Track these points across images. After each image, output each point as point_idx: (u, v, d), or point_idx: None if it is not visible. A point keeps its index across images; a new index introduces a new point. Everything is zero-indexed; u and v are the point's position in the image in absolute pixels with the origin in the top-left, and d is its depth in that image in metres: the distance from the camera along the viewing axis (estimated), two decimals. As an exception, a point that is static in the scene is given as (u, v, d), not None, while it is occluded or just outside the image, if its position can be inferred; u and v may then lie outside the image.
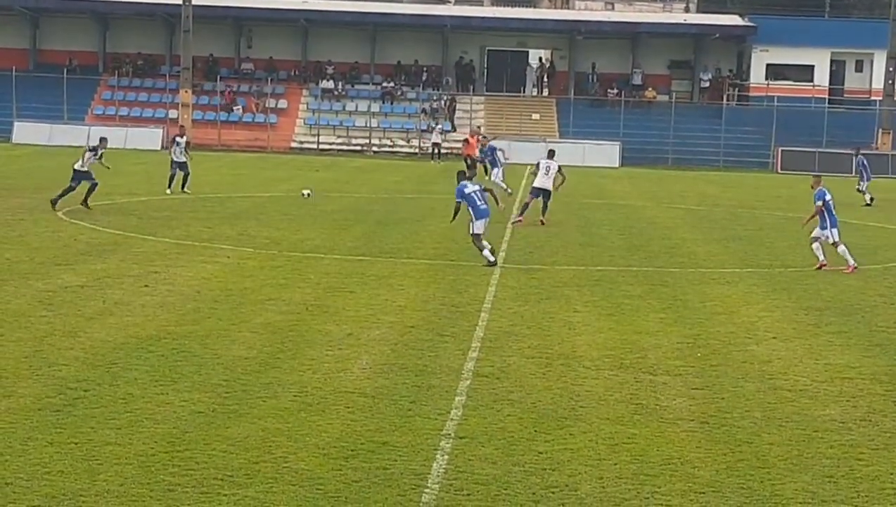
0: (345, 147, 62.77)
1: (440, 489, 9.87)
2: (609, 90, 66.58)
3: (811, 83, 66.16)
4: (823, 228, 23.30)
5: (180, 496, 9.49)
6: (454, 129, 63.12)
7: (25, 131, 59.91)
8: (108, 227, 26.36)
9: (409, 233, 27.13)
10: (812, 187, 24.09)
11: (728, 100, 65.85)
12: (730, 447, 11.34)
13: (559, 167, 30.43)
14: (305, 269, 21.39)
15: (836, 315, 18.54)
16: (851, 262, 23.18)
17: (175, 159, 35.30)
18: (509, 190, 37.10)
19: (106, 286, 18.77)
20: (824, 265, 23.16)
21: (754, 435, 11.79)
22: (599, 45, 67.87)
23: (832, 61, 66.87)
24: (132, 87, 65.97)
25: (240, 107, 64.47)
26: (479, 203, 22.17)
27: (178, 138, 35.97)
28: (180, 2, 58.84)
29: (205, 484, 9.78)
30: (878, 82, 63.90)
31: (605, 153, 59.39)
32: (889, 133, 61.67)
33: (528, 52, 70.56)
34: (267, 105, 64.04)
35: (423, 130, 62.92)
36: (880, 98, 63.00)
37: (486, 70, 69.48)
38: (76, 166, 29.84)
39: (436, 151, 59.09)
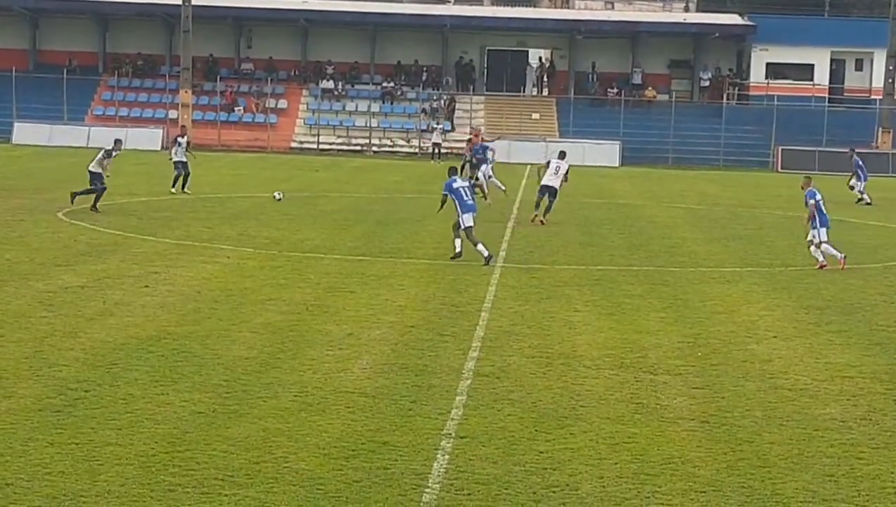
0: (345, 147, 62.77)
1: (441, 489, 9.87)
2: (609, 90, 66.58)
3: (811, 82, 66.16)
4: (813, 227, 23.48)
5: (181, 497, 9.49)
6: (453, 128, 63.13)
7: (25, 132, 59.91)
8: (108, 227, 26.36)
9: (410, 233, 27.13)
10: (802, 188, 24.26)
11: (728, 99, 65.85)
12: (730, 447, 11.34)
13: (568, 168, 30.84)
14: (305, 269, 21.40)
15: (836, 314, 18.54)
16: (838, 255, 23.28)
17: (176, 160, 35.30)
18: (503, 187, 37.17)
19: (106, 287, 18.77)
20: (824, 266, 23.18)
21: (755, 434, 11.78)
22: (599, 45, 67.87)
23: (832, 60, 66.88)
24: (132, 87, 65.98)
25: (241, 107, 64.48)
26: (465, 198, 22.67)
27: (179, 138, 35.98)
28: (180, 2, 58.84)
29: (205, 484, 9.78)
30: (878, 81, 63.91)
31: (605, 153, 59.39)
32: (889, 132, 61.68)
33: (527, 51, 70.57)
34: (267, 105, 64.05)
35: (422, 130, 62.93)
36: (880, 97, 63.01)
37: (486, 70, 69.48)
38: (91, 168, 29.72)
39: (436, 150, 59.11)
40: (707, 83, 67.30)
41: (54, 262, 21.18)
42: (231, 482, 9.86)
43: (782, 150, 60.44)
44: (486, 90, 67.95)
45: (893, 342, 16.51)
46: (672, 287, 20.75)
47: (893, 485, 10.42)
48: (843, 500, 9.99)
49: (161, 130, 60.11)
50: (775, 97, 64.07)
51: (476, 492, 9.85)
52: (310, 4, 66.85)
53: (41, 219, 27.51)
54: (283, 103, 65.19)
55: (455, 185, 22.90)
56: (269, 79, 65.03)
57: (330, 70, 66.68)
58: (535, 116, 65.15)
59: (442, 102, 64.88)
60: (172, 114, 61.54)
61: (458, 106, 65.00)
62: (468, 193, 22.86)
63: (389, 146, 63.27)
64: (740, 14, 68.28)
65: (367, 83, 67.09)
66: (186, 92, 60.62)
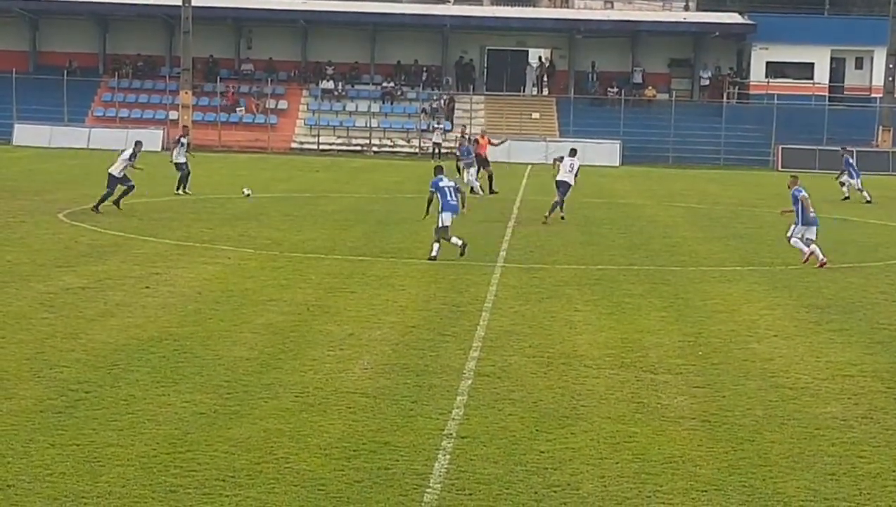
0: (345, 147, 62.75)
1: (442, 489, 9.88)
2: (609, 89, 66.54)
3: (811, 81, 66.13)
4: (796, 222, 23.77)
5: (182, 498, 9.50)
6: (453, 128, 63.10)
7: (26, 133, 59.89)
8: (108, 228, 26.36)
9: (410, 233, 27.12)
10: (788, 187, 24.58)
11: (728, 98, 65.81)
12: (731, 446, 11.34)
13: (579, 166, 31.36)
14: (306, 269, 21.40)
15: (837, 313, 18.54)
16: (805, 250, 23.46)
17: (178, 161, 35.30)
18: (480, 194, 37.21)
19: (107, 288, 18.78)
20: (825, 264, 23.20)
21: (756, 433, 11.79)
22: (599, 44, 67.85)
23: (832, 59, 66.84)
24: (132, 88, 65.96)
25: (243, 108, 64.48)
26: (449, 197, 22.96)
27: (182, 139, 35.99)
28: (180, 3, 58.82)
29: (207, 485, 9.79)
30: (879, 79, 63.87)
31: (605, 152, 59.35)
32: (889, 130, 61.64)
33: (527, 51, 70.53)
34: (267, 106, 64.04)
35: (423, 130, 62.91)
36: (880, 95, 62.97)
37: (485, 69, 69.45)
38: (111, 171, 29.69)
39: (436, 150, 59.09)
40: (707, 82, 67.26)
41: (55, 263, 21.19)
42: (232, 483, 9.86)
43: (782, 148, 60.41)
44: (486, 90, 67.92)
45: (894, 341, 16.50)
46: (673, 286, 20.75)
47: (895, 484, 10.42)
48: (844, 499, 10.00)
49: (161, 131, 60.06)
50: (775, 96, 64.03)
51: (477, 492, 9.86)
52: (310, 5, 66.83)
53: (42, 220, 27.52)
54: (283, 104, 65.17)
55: (441, 183, 23.20)
56: (269, 79, 65.02)
57: (330, 70, 66.67)
58: (536, 115, 65.13)
59: (442, 101, 64.87)
60: (173, 115, 61.51)
61: (458, 106, 64.99)
62: (452, 193, 23.12)
63: (390, 146, 63.25)
64: (740, 13, 68.24)
65: (367, 83, 67.07)
66: (187, 93, 60.60)
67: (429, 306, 18.13)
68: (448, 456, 10.72)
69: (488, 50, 69.63)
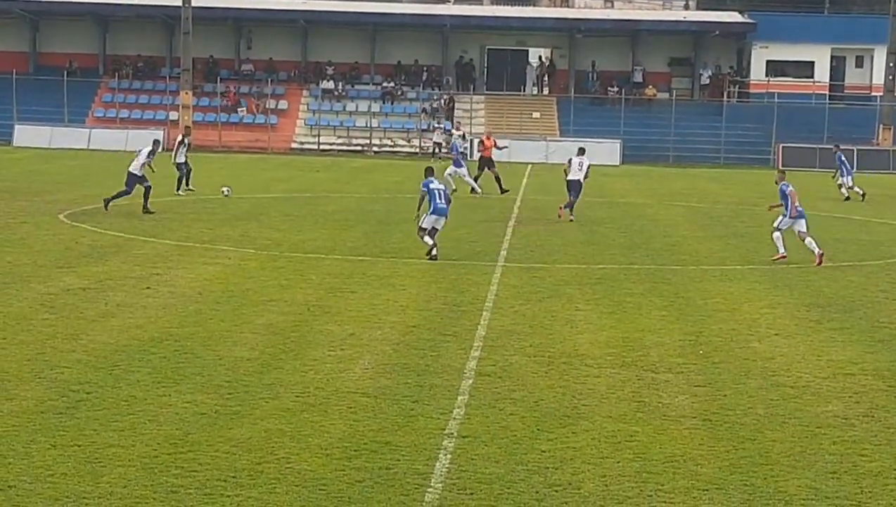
0: (345, 147, 62.76)
1: (443, 489, 9.88)
2: (609, 88, 66.55)
3: (811, 79, 66.13)
4: (784, 215, 23.94)
5: (183, 498, 9.50)
6: (452, 128, 63.08)
7: (26, 134, 59.92)
8: (109, 229, 26.37)
9: (411, 233, 27.06)
10: (776, 183, 24.74)
11: (728, 97, 65.81)
12: (732, 445, 11.34)
13: (589, 165, 31.71)
14: (307, 269, 21.40)
15: (837, 311, 18.54)
16: (781, 250, 23.58)
17: (179, 161, 35.30)
18: (479, 191, 37.33)
19: (108, 289, 18.78)
20: (822, 256, 23.27)
21: (757, 432, 11.79)
22: (599, 44, 67.85)
23: (832, 57, 66.85)
24: (132, 89, 65.99)
25: (244, 108, 64.48)
26: (438, 200, 23.01)
27: (186, 139, 35.99)
28: (180, 3, 58.83)
29: (208, 486, 9.79)
30: (879, 78, 63.87)
31: (605, 151, 59.32)
32: (889, 129, 61.64)
33: (527, 50, 70.55)
34: (267, 106, 64.05)
35: (423, 130, 62.90)
36: (881, 94, 62.98)
37: (486, 69, 69.46)
38: (131, 170, 29.64)
39: (437, 150, 59.11)
40: (707, 81, 67.27)
41: (56, 264, 21.19)
42: (234, 483, 9.86)
43: (783, 147, 60.39)
44: (487, 90, 67.94)
45: (895, 339, 16.50)
46: (673, 285, 20.75)
47: (896, 482, 10.42)
48: (845, 497, 9.99)
49: (161, 132, 60.01)
50: (776, 95, 64.04)
51: (479, 491, 9.86)
52: (310, 5, 66.84)
53: (42, 221, 27.52)
54: (283, 104, 65.19)
55: (432, 185, 23.22)
56: (269, 80, 65.04)
57: (330, 70, 66.68)
58: (536, 115, 65.15)
59: (442, 101, 64.88)
60: (173, 115, 61.53)
61: (459, 106, 65.00)
62: (442, 196, 23.15)
63: (390, 146, 63.26)
64: (740, 12, 68.23)
65: (368, 83, 67.08)
66: (187, 93, 60.61)
67: (429, 306, 18.13)
68: (449, 456, 10.72)
69: (488, 49, 69.64)
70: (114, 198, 29.28)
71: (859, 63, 67.54)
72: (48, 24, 68.30)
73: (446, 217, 23.36)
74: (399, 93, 66.13)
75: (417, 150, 62.50)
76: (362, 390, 12.95)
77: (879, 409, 12.78)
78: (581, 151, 32.26)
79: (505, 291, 19.66)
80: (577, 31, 67.00)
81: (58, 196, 33.38)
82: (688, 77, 68.12)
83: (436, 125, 62.12)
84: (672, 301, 19.11)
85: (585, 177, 31.22)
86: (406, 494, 9.75)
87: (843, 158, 41.37)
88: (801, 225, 23.89)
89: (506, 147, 44.94)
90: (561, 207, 30.89)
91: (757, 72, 66.41)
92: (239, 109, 64.34)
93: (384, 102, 65.60)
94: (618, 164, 58.99)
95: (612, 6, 71.51)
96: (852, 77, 67.53)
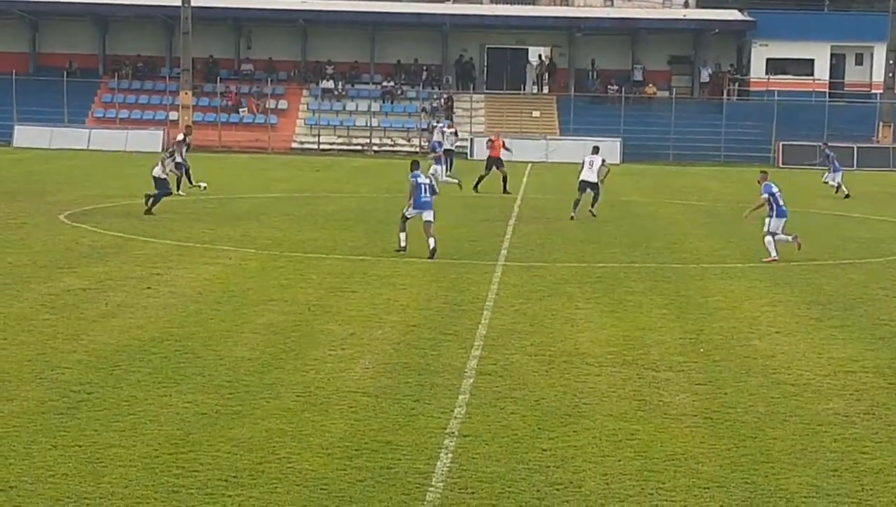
0: (345, 147, 62.74)
1: (445, 488, 9.88)
2: (609, 87, 66.50)
3: (811, 77, 66.09)
4: (770, 216, 24.00)
5: (185, 498, 9.50)
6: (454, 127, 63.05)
7: (26, 135, 59.90)
8: (109, 229, 26.37)
9: (411, 233, 27.09)
10: (759, 182, 24.82)
11: (728, 95, 65.80)
12: (734, 443, 11.34)
13: (603, 160, 31.93)
14: (307, 269, 21.40)
15: (838, 309, 18.54)
16: (773, 254, 23.58)
17: (177, 160, 35.25)
18: (459, 182, 37.52)
19: (108, 289, 18.78)
20: (798, 240, 23.53)
21: (758, 430, 11.79)
22: (599, 42, 67.83)
23: (832, 55, 66.82)
24: (132, 89, 65.96)
25: (245, 108, 64.47)
26: (422, 195, 23.26)
27: (188, 139, 35.98)
28: (179, 3, 58.81)
29: (209, 485, 9.79)
30: (879, 75, 63.83)
31: (605, 150, 58.90)
32: (890, 126, 61.60)
33: (527, 49, 70.52)
34: (267, 106, 64.04)
35: (423, 129, 62.88)
36: (881, 91, 62.94)
37: (486, 68, 69.44)
38: (155, 174, 29.60)
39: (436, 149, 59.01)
40: (707, 79, 67.24)
41: (56, 264, 21.19)
42: (235, 483, 9.87)
43: (783, 145, 60.37)
44: (487, 89, 67.93)
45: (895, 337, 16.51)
46: (674, 284, 20.75)
47: (897, 479, 10.42)
48: (846, 495, 9.99)
49: (161, 132, 60.06)
50: (776, 92, 64.00)
51: (480, 490, 9.86)
52: (309, 4, 66.80)
53: (43, 222, 27.52)
54: (283, 104, 65.17)
55: (419, 180, 23.47)
56: (269, 79, 65.02)
57: (330, 70, 66.66)
58: (536, 113, 65.13)
59: (441, 100, 64.88)
60: (173, 115, 61.51)
61: (459, 105, 64.99)
62: (427, 190, 23.39)
63: (390, 145, 63.24)
64: (740, 10, 68.18)
65: (367, 83, 67.07)
66: (186, 93, 60.58)
67: (430, 305, 18.13)
68: (450, 455, 10.72)
69: (488, 48, 69.61)
70: (153, 205, 29.12)
71: (859, 60, 67.52)
72: (48, 25, 68.29)
73: (432, 210, 23.47)
74: (399, 92, 66.12)
75: (418, 149, 62.43)
76: (363, 389, 12.95)
77: (880, 406, 12.78)
78: (595, 150, 32.48)
79: (505, 289, 19.66)
80: (576, 30, 66.97)
81: (58, 197, 33.37)
82: (688, 75, 68.08)
83: (434, 124, 62.08)
84: (672, 299, 19.11)
85: (603, 177, 31.32)
86: (407, 493, 9.75)
87: (833, 156, 41.38)
88: (769, 224, 23.95)
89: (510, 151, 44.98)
90: (590, 209, 31.09)
91: (757, 70, 66.40)
92: (240, 109, 64.34)
93: (384, 102, 65.58)
94: (618, 162, 58.85)
95: (612, 5, 71.48)
96: (852, 75, 67.52)
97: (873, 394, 13.31)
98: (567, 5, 73.09)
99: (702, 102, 66.67)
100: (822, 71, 66.31)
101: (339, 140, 63.52)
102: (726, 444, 11.29)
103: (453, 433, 11.41)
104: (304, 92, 66.19)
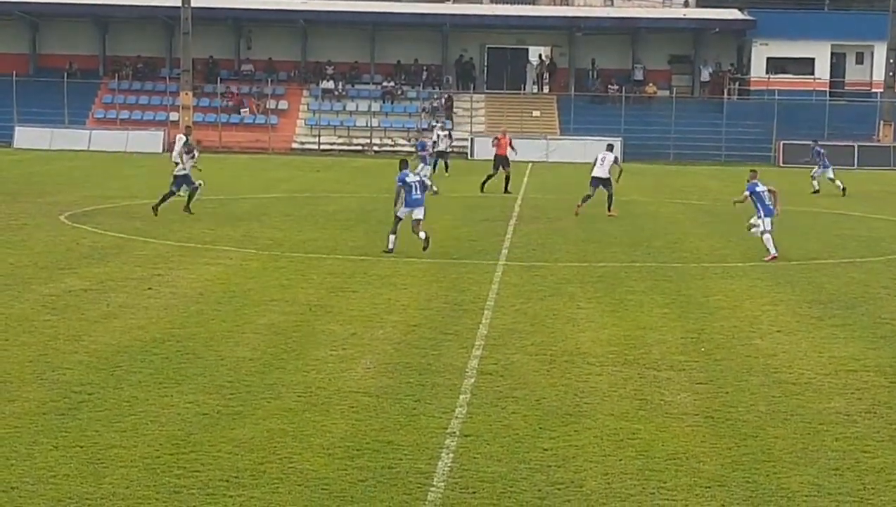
0: (346, 147, 62.74)
1: (446, 488, 9.88)
2: (609, 86, 66.50)
3: (812, 76, 66.08)
4: (758, 216, 24.17)
5: (186, 498, 9.50)
6: (452, 127, 63.04)
7: (26, 136, 59.91)
8: (110, 230, 26.37)
9: (412, 232, 27.10)
10: (748, 181, 25.08)
11: (729, 94, 65.79)
12: (735, 442, 11.34)
13: (615, 158, 32.28)
14: (308, 269, 21.40)
15: (839, 308, 18.53)
16: (773, 251, 23.71)
17: (176, 160, 35.21)
18: (435, 189, 37.40)
19: (109, 290, 18.79)
20: (775, 257, 23.51)
21: (759, 429, 11.78)
22: (599, 42, 67.83)
23: (832, 54, 66.81)
24: (132, 90, 65.98)
25: (247, 109, 64.46)
26: (413, 193, 23.44)
27: (188, 139, 35.93)
28: (179, 4, 58.82)
29: (210, 486, 9.79)
30: (879, 74, 63.83)
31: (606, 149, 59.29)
32: (890, 125, 61.59)
33: (527, 49, 70.54)
34: (267, 106, 64.04)
35: (423, 129, 62.88)
36: (881, 90, 62.95)
37: (486, 68, 69.45)
38: (176, 172, 29.60)
39: (435, 148, 59.01)
40: (708, 79, 67.24)
41: (57, 265, 21.19)
42: (236, 484, 9.87)
43: (784, 144, 60.36)
44: (487, 88, 67.94)
45: (897, 335, 16.50)
46: (675, 283, 20.74)
47: (898, 478, 10.42)
48: (848, 493, 9.99)
49: (162, 133, 60.08)
50: (776, 92, 64.00)
51: (481, 490, 9.86)
52: (309, 4, 66.82)
53: (44, 223, 27.52)
54: (283, 104, 65.17)
55: (408, 179, 23.60)
56: (269, 80, 65.03)
57: (330, 70, 66.67)
58: (536, 113, 65.12)
59: (442, 101, 64.88)
60: (173, 116, 61.52)
61: (459, 105, 64.99)
62: (418, 187, 23.53)
63: (391, 146, 63.24)
64: (740, 9, 68.17)
65: (368, 83, 67.07)
66: (187, 94, 60.58)
67: (431, 305, 18.12)
68: (451, 455, 10.72)
69: (488, 48, 69.62)
70: (188, 204, 29.13)
71: (859, 59, 67.51)
72: (48, 26, 68.31)
73: (423, 208, 23.64)
74: (399, 92, 66.12)
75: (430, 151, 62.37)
76: (364, 389, 12.95)
77: (882, 405, 12.78)
78: (609, 148, 32.86)
79: (506, 289, 19.66)
80: (576, 30, 66.97)
81: (58, 198, 33.38)
82: (688, 74, 68.09)
83: (434, 124, 62.03)
84: (673, 299, 19.11)
85: (616, 176, 31.54)
86: (408, 493, 9.75)
87: (822, 153, 41.40)
88: (762, 223, 24.04)
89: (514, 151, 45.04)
90: (577, 205, 31.33)
91: (757, 69, 66.39)
92: (242, 110, 64.34)
93: (384, 102, 65.59)
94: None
95: (612, 4, 71.51)
96: (852, 73, 67.51)
97: (875, 393, 13.30)
98: (567, 5, 73.11)
99: (702, 101, 66.67)
100: (822, 70, 66.30)
101: (340, 140, 63.53)
102: (727, 443, 11.29)
103: (454, 432, 11.41)
104: (305, 92, 66.20)
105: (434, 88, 66.07)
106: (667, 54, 68.32)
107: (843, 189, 39.60)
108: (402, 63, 67.65)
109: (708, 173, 52.63)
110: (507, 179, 38.51)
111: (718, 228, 30.11)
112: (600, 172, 31.47)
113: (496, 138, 40.36)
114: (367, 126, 63.31)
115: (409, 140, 63.35)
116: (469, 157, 58.15)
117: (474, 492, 9.81)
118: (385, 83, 66.38)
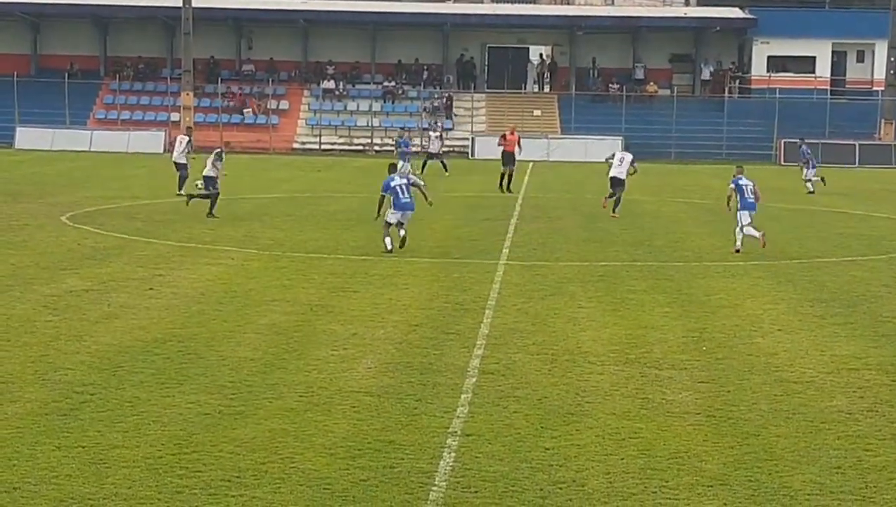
0: (347, 147, 62.76)
1: (447, 487, 9.88)
2: (610, 85, 66.52)
3: (813, 75, 66.08)
4: (739, 208, 24.52)
5: (188, 499, 9.50)
6: (453, 126, 63.09)
7: (28, 137, 59.94)
8: (111, 230, 26.38)
9: (411, 232, 27.09)
10: (733, 176, 25.30)
11: (730, 93, 65.79)
12: (737, 440, 11.33)
13: (633, 160, 32.12)
14: (309, 269, 21.41)
15: (841, 306, 18.53)
16: (738, 244, 24.35)
17: (177, 160, 35.26)
18: (422, 182, 37.42)
19: (111, 290, 18.79)
20: (738, 251, 23.97)
21: (761, 428, 11.78)
22: (600, 41, 67.83)
23: (833, 52, 66.81)
24: (133, 90, 66.03)
25: (249, 109, 64.46)
26: (401, 196, 23.47)
27: (191, 141, 35.96)
28: (180, 4, 58.83)
29: (212, 486, 9.79)
30: (880, 73, 63.84)
31: (607, 148, 59.24)
32: (891, 123, 61.59)
33: (528, 48, 70.56)
34: (268, 106, 64.05)
35: (424, 129, 62.86)
36: (882, 88, 62.94)
37: (486, 67, 69.47)
38: (205, 173, 29.60)
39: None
40: (708, 77, 67.25)
41: (59, 266, 21.20)
42: (238, 484, 9.87)
43: (785, 142, 60.35)
44: (488, 88, 67.96)
45: (898, 334, 16.50)
46: (676, 282, 20.74)
47: (900, 476, 10.41)
48: (850, 492, 9.99)
49: (163, 133, 60.10)
50: (777, 90, 64.00)
51: (483, 489, 9.86)
52: (310, 4, 66.83)
53: (45, 223, 27.53)
54: (284, 104, 65.20)
55: (393, 183, 23.62)
56: (270, 80, 65.05)
57: (331, 70, 66.68)
58: (537, 112, 65.12)
59: (443, 100, 64.88)
60: (174, 116, 61.55)
61: (460, 104, 64.99)
62: (404, 190, 23.54)
63: (392, 145, 63.16)
64: (741, 7, 68.17)
65: (368, 83, 67.10)
66: (188, 94, 60.61)
67: (432, 305, 18.13)
68: (453, 454, 10.72)
69: (489, 48, 69.64)
70: (211, 207, 29.11)
71: (860, 58, 67.50)
72: (49, 27, 68.34)
73: (412, 210, 23.71)
74: (400, 92, 66.13)
75: (419, 148, 62.40)
76: (366, 389, 12.96)
77: (883, 404, 12.78)
78: (626, 147, 32.94)
79: (507, 289, 19.66)
80: (577, 29, 66.98)
81: (60, 198, 33.39)
82: (689, 73, 68.10)
83: (434, 124, 62.00)
84: (675, 298, 19.11)
85: (631, 173, 31.58)
86: (410, 492, 9.75)
87: (809, 152, 41.42)
88: (739, 217, 24.41)
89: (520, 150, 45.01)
90: (604, 199, 31.62)
91: (758, 67, 66.39)
92: (244, 111, 64.36)
93: (385, 102, 65.60)
94: (619, 161, 58.92)
95: (613, 3, 71.47)
96: (853, 72, 67.50)
97: (876, 391, 13.30)
98: (568, 4, 73.09)
99: (703, 100, 66.67)
100: (823, 68, 66.30)
101: (341, 140, 63.55)
102: (729, 442, 11.29)
103: (456, 432, 11.41)
104: (306, 92, 66.22)
105: (435, 88, 66.08)
106: (668, 53, 68.33)
107: (811, 191, 39.70)
108: (402, 63, 67.66)
109: (709, 172, 52.59)
110: (510, 177, 38.48)
111: (720, 227, 30.08)
112: (617, 171, 31.49)
113: (503, 136, 40.07)
114: (368, 126, 63.32)
115: (391, 138, 63.25)
116: (470, 156, 58.16)
117: (476, 491, 9.81)
118: (386, 83, 66.39)
